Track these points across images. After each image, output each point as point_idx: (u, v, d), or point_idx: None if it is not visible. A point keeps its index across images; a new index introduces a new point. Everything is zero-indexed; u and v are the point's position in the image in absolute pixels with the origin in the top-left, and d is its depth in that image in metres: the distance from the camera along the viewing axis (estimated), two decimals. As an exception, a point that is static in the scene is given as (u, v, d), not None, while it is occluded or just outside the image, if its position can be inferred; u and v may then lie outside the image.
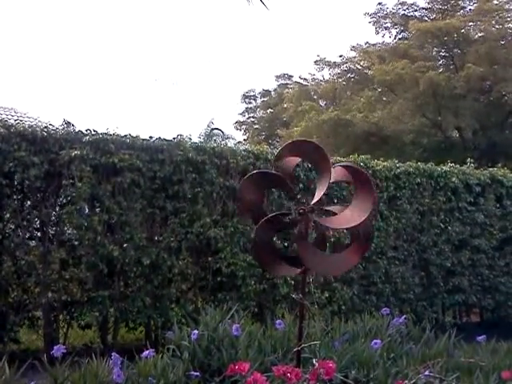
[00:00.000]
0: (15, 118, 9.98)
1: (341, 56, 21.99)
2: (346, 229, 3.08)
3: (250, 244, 6.53)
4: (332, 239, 6.89)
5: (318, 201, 3.01)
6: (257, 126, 28.35)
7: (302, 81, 25.53)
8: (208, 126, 24.78)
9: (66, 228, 6.25)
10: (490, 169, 9.47)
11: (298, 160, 3.45)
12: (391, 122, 18.47)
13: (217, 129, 23.04)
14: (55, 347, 2.94)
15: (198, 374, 3.24)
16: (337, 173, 3.24)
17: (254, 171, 3.15)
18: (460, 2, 20.40)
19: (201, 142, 7.83)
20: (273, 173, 3.21)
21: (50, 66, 37.88)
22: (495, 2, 19.17)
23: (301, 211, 3.03)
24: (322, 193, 3.00)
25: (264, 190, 3.38)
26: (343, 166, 3.29)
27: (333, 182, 3.36)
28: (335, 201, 7.17)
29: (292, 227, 3.39)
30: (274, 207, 6.80)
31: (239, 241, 6.76)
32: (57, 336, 6.19)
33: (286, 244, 6.96)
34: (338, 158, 7.89)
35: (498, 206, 9.09)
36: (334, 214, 3.27)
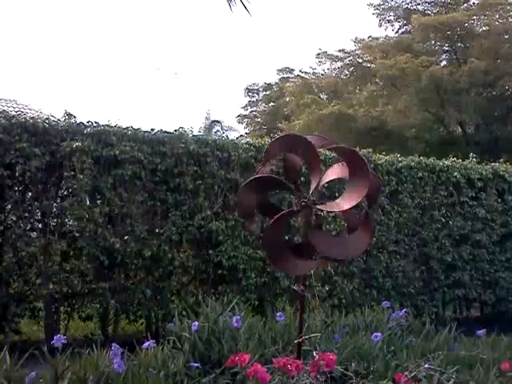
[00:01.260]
0: (17, 109, 9.98)
1: (342, 50, 21.92)
2: (347, 210, 3.09)
3: (256, 240, 6.50)
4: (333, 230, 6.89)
5: (315, 190, 3.04)
6: (259, 120, 28.34)
7: (303, 74, 25.47)
8: (206, 118, 24.75)
9: (67, 220, 6.25)
10: (492, 164, 9.43)
11: (299, 159, 3.46)
12: (394, 116, 18.43)
13: (216, 121, 23.01)
14: (55, 337, 2.95)
15: (198, 365, 3.25)
16: (334, 171, 3.26)
17: (252, 177, 3.14)
18: (463, -4, 20.32)
19: (201, 134, 7.82)
20: (272, 176, 3.21)
21: (52, 57, 37.82)
22: (499, -5, 19.07)
23: (303, 203, 3.05)
24: (315, 186, 3.04)
25: (264, 193, 3.40)
26: (336, 149, 3.31)
27: (331, 180, 3.38)
28: (337, 194, 7.15)
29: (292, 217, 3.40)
30: (274, 202, 6.80)
31: (240, 234, 6.76)
32: (58, 327, 6.21)
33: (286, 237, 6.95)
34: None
35: (499, 200, 9.06)
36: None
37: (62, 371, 2.80)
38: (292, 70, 27.33)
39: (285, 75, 27.42)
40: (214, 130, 24.41)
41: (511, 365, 3.32)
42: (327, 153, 6.63)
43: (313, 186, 3.07)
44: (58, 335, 2.99)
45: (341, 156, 3.28)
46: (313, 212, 3.12)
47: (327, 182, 3.38)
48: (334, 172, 3.31)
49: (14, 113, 6.87)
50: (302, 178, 7.01)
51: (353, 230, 3.19)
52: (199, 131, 19.58)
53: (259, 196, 3.25)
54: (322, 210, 3.32)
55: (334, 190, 6.96)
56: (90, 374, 2.81)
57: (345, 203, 3.06)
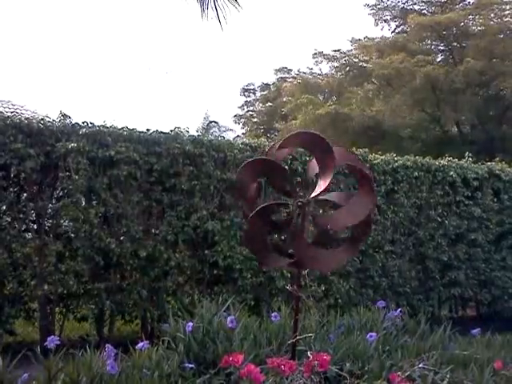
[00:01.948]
0: (12, 110, 9.93)
1: (338, 50, 21.95)
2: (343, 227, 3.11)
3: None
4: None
5: (317, 194, 3.03)
6: (256, 120, 28.32)
7: (301, 74, 25.48)
8: (204, 118, 24.75)
9: (62, 220, 6.24)
10: (488, 163, 9.45)
11: (287, 153, 3.47)
12: (390, 116, 18.45)
13: (213, 121, 23.01)
14: (49, 338, 2.94)
15: (192, 366, 3.24)
16: (337, 196, 3.27)
17: (256, 158, 3.15)
18: (459, -4, 20.36)
19: (198, 135, 7.81)
20: (273, 161, 3.20)
21: (45, 58, 37.74)
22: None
23: (299, 203, 3.05)
24: (323, 188, 3.02)
25: (263, 176, 3.40)
26: (349, 165, 3.32)
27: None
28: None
29: (288, 222, 3.39)
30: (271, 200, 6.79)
31: (236, 234, 6.75)
32: (53, 328, 6.19)
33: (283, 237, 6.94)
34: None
35: (495, 200, 9.08)
36: (331, 206, 3.28)
37: (55, 372, 2.79)
38: (290, 69, 27.34)
39: (282, 75, 27.42)
40: (211, 131, 24.41)
41: (504, 364, 3.32)
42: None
43: (319, 189, 3.04)
44: (52, 336, 2.98)
45: (351, 171, 3.29)
46: (307, 215, 3.11)
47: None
48: (337, 196, 3.34)
49: (9, 114, 6.84)
50: (299, 178, 7.08)
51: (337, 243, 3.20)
52: (196, 131, 19.58)
53: (255, 180, 3.25)
54: (318, 210, 3.32)
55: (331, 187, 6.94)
56: (84, 375, 2.80)
57: (351, 218, 3.04)
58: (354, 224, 3.07)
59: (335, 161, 3.07)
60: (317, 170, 3.20)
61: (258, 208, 3.01)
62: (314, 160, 3.29)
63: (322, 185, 3.06)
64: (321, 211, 3.47)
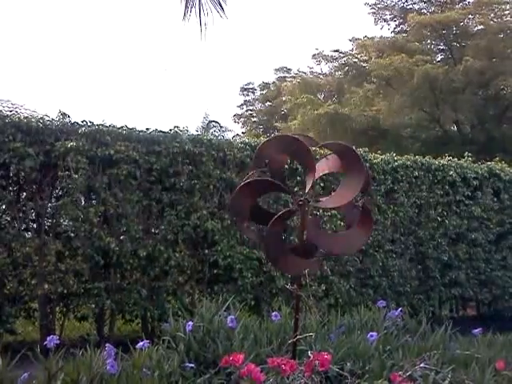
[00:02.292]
0: (11, 109, 9.89)
1: (338, 50, 21.95)
2: (342, 206, 3.10)
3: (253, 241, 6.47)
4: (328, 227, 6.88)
5: (310, 190, 3.05)
6: (255, 119, 28.31)
7: (300, 74, 25.46)
8: (204, 118, 24.74)
9: (62, 220, 6.22)
10: (488, 163, 9.45)
11: (285, 160, 3.47)
12: (389, 115, 18.43)
13: (213, 121, 23.00)
14: (48, 338, 2.92)
15: (192, 365, 3.23)
16: (329, 163, 3.26)
17: (250, 179, 3.14)
18: (459, -5, 20.35)
19: (198, 134, 7.79)
20: (268, 180, 3.22)
21: (45, 57, 37.72)
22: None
23: (300, 203, 3.05)
24: (310, 185, 3.05)
25: (260, 195, 3.41)
26: (331, 146, 3.31)
27: (327, 174, 3.40)
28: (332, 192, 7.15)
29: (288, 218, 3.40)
30: (271, 201, 6.80)
31: (236, 233, 6.74)
32: (53, 328, 6.18)
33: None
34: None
35: (495, 199, 9.08)
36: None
37: (55, 372, 2.78)
38: (289, 69, 27.33)
39: (282, 74, 27.41)
40: (211, 131, 24.39)
41: (506, 363, 3.31)
42: (323, 151, 6.61)
43: (308, 185, 3.07)
44: (51, 336, 2.97)
45: (335, 152, 3.28)
46: (309, 211, 3.12)
47: (321, 178, 3.39)
48: (324, 166, 3.32)
49: (8, 112, 6.83)
50: (298, 178, 7.08)
51: (351, 226, 3.20)
52: (196, 130, 19.57)
53: (253, 201, 3.25)
54: (318, 209, 3.34)
55: (329, 189, 6.95)
56: (83, 374, 2.79)
57: (342, 198, 3.07)
58: (350, 200, 3.07)
59: (312, 154, 3.10)
60: (322, 171, 3.23)
61: (270, 223, 3.00)
62: (319, 163, 3.31)
63: (309, 181, 3.09)
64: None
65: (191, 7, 4.13)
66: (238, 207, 3.25)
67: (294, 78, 25.23)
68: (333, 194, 3.25)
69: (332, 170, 3.33)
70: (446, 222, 8.50)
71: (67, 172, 6.08)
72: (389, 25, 21.86)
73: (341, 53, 21.91)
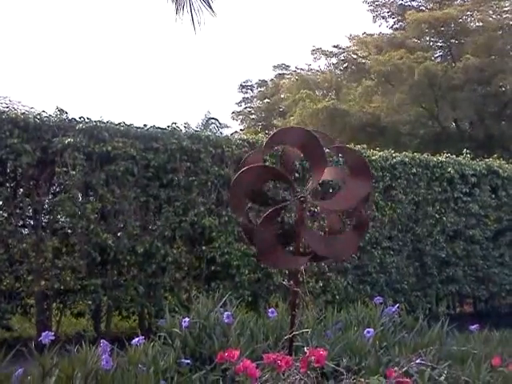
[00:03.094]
0: (9, 106, 9.86)
1: (337, 46, 21.90)
2: (343, 209, 3.09)
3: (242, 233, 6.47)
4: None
5: (313, 186, 3.02)
6: (253, 116, 28.23)
7: (299, 71, 25.42)
8: (205, 115, 24.73)
9: (59, 216, 6.22)
10: (486, 160, 9.45)
11: (298, 154, 3.42)
12: (388, 112, 18.41)
13: (213, 118, 23.00)
14: (43, 334, 2.92)
15: (188, 361, 3.22)
16: (332, 172, 3.25)
17: (255, 164, 3.10)
18: (457, -9, 20.29)
19: (196, 130, 7.78)
20: (273, 167, 3.21)
21: (42, 54, 37.63)
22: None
23: (301, 199, 3.04)
24: (316, 182, 3.01)
25: (264, 182, 3.38)
26: (346, 153, 3.30)
27: (330, 181, 3.40)
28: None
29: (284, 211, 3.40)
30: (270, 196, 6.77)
31: (233, 230, 6.74)
32: (50, 324, 6.17)
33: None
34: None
35: (493, 196, 9.08)
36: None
37: (50, 368, 2.77)
38: (288, 66, 27.23)
39: (280, 71, 27.33)
40: (211, 127, 24.35)
41: (502, 360, 3.31)
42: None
43: (312, 182, 3.04)
44: (47, 332, 2.96)
45: (345, 156, 3.26)
46: (307, 208, 3.11)
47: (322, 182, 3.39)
48: (329, 173, 3.31)
49: (5, 109, 6.81)
50: (297, 174, 7.06)
51: (333, 233, 3.19)
52: (197, 128, 19.53)
53: (258, 184, 3.22)
54: (316, 207, 3.32)
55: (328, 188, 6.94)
56: (78, 371, 2.78)
57: (344, 203, 3.04)
58: (352, 205, 3.05)
59: (324, 151, 3.07)
60: (328, 177, 3.22)
61: (264, 215, 2.98)
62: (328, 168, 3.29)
63: (315, 178, 3.06)
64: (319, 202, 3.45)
65: (183, 5, 4.15)
66: (239, 188, 3.18)
67: (292, 75, 25.18)
68: (335, 196, 3.21)
69: (334, 178, 3.32)
70: (444, 218, 8.50)
71: (64, 168, 6.06)
72: (387, 22, 21.81)
73: (340, 48, 21.86)
